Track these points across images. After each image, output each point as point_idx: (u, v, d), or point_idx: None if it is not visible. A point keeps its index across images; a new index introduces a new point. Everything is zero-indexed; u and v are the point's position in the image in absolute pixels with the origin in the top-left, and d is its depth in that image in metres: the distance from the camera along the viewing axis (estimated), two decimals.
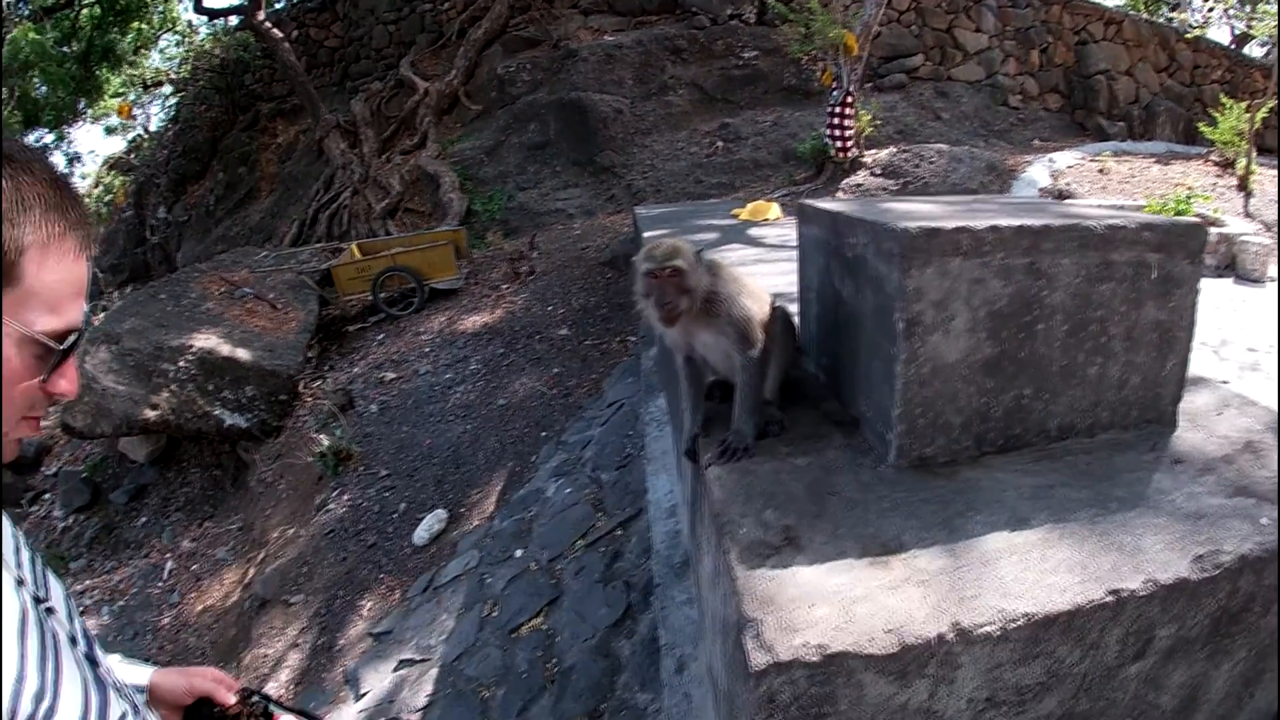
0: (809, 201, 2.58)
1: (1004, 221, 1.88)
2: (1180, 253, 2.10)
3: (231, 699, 1.37)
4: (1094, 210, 2.31)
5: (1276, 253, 9.84)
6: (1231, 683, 1.90)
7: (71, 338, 0.94)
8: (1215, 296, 7.99)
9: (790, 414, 2.32)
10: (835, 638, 1.40)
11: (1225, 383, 4.01)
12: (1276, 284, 8.75)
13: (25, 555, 1.03)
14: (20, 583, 0.96)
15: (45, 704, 0.88)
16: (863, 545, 1.67)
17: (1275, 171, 12.74)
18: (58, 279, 0.91)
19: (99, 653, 1.09)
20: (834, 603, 1.49)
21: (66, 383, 0.97)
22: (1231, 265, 9.11)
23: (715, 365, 2.35)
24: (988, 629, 1.46)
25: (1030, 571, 1.60)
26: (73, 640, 1.01)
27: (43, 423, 0.99)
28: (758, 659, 1.36)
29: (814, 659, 1.37)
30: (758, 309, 2.24)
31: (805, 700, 1.41)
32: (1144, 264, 2.06)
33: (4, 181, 0.86)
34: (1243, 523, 1.76)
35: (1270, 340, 6.76)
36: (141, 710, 1.13)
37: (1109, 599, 1.55)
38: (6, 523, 0.99)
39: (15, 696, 0.84)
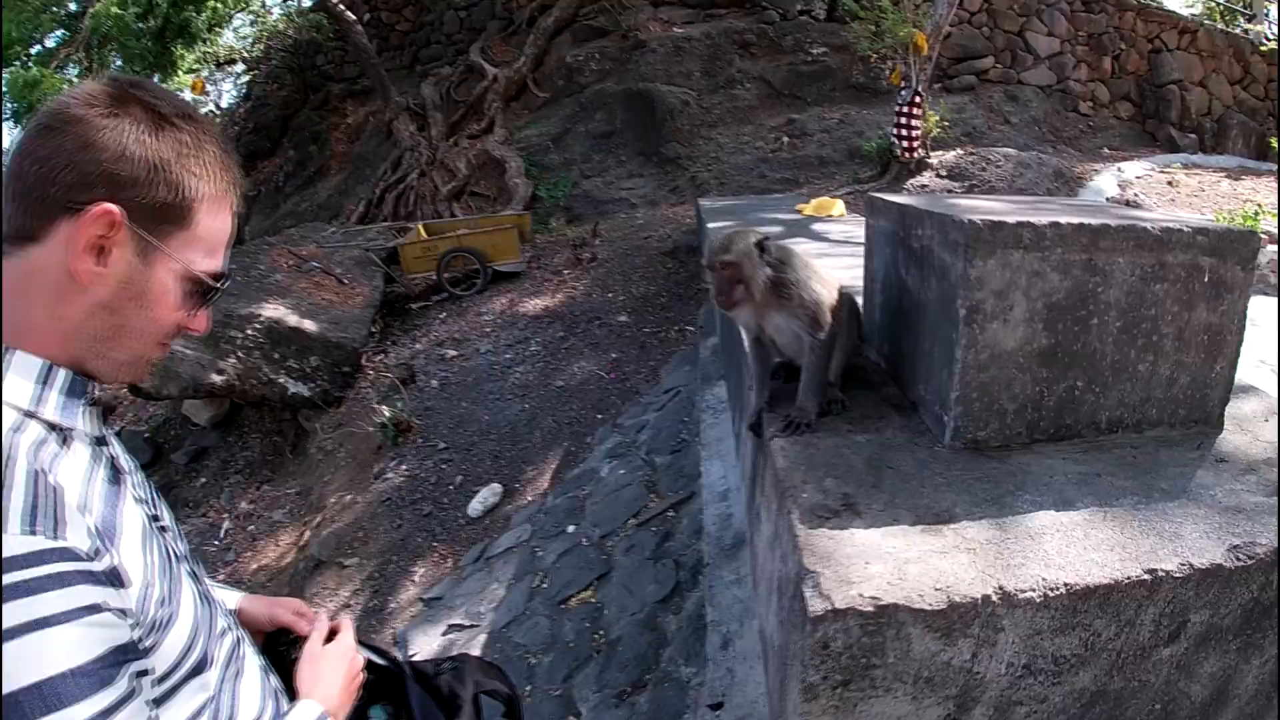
0: (879, 195, 2.69)
1: (1064, 219, 1.97)
2: (1233, 258, 2.16)
3: (308, 629, 1.43)
4: (1151, 214, 2.38)
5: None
6: (1262, 681, 1.96)
7: (224, 282, 1.11)
8: (1256, 313, 7.86)
9: (851, 397, 2.43)
10: (888, 591, 1.52)
11: None
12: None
13: (139, 476, 1.16)
14: (139, 500, 1.08)
15: (168, 610, 1.01)
16: (916, 514, 1.79)
17: None
18: (219, 228, 1.09)
19: (200, 570, 1.22)
20: (888, 562, 1.61)
21: (204, 321, 1.14)
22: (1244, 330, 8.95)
23: (783, 347, 2.47)
24: (1030, 594, 1.57)
25: (1073, 547, 1.70)
26: (180, 558, 1.13)
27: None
28: (815, 605, 1.49)
29: (868, 609, 1.49)
30: (827, 294, 2.36)
31: (857, 649, 1.53)
32: (1197, 267, 2.13)
33: (189, 138, 1.02)
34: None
35: None
36: (235, 628, 1.24)
37: (1145, 577, 1.65)
38: (121, 447, 1.13)
39: (144, 599, 0.96)
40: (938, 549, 1.66)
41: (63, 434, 0.98)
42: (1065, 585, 1.60)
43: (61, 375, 0.99)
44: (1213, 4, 20.76)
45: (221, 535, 8.25)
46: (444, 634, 5.05)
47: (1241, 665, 1.90)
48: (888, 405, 2.43)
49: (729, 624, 3.54)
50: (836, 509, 1.81)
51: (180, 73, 21.98)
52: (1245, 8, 18.43)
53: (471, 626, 4.99)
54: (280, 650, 1.42)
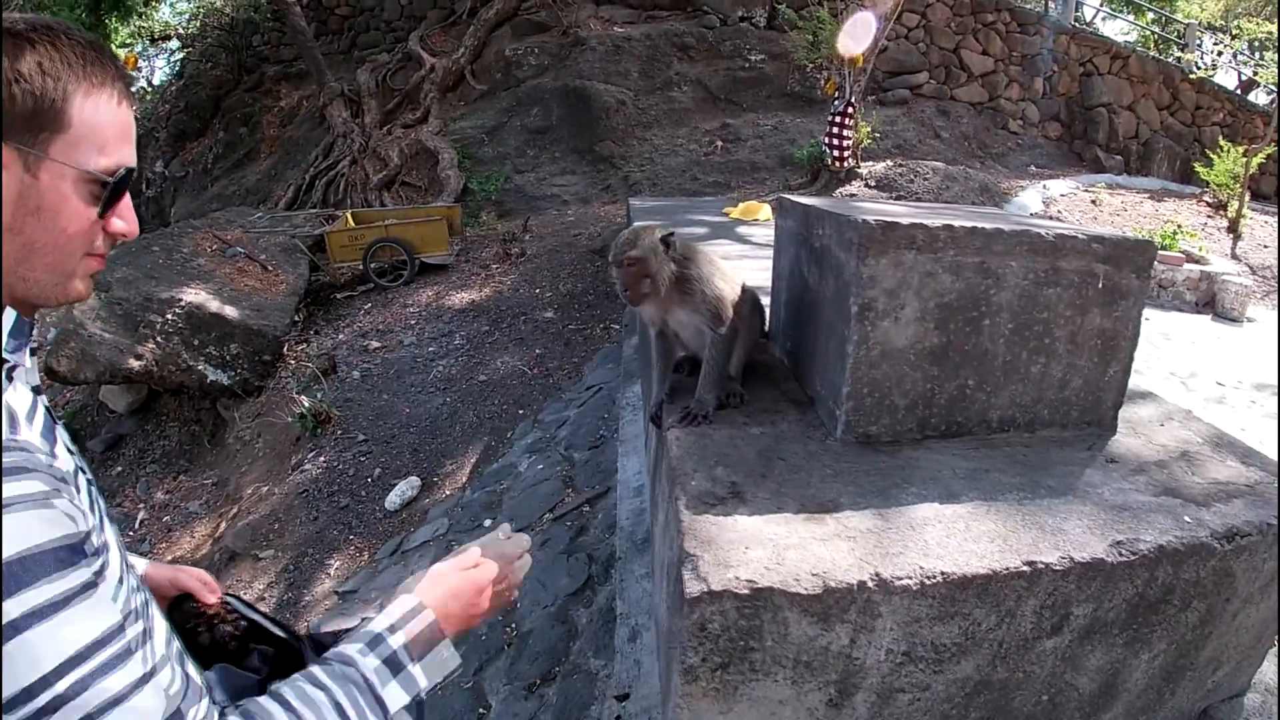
0: (787, 195, 2.72)
1: (958, 222, 2.02)
2: (1128, 266, 2.23)
3: (211, 599, 1.44)
4: (1049, 223, 2.45)
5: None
6: (1151, 675, 2.03)
7: (121, 172, 1.06)
8: (1192, 331, 8.18)
9: (752, 391, 2.46)
10: (765, 575, 1.54)
11: (1189, 411, 4.18)
12: (1278, 322, 8.96)
13: (60, 429, 1.12)
14: (69, 451, 1.08)
15: (103, 556, 0.99)
16: (801, 503, 1.81)
17: (1268, 217, 12.99)
18: (103, 121, 1.04)
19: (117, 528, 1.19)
20: (768, 547, 1.63)
21: (123, 222, 1.10)
22: (1211, 303, 9.31)
23: (686, 341, 2.49)
24: (906, 582, 1.60)
25: (953, 538, 1.74)
26: (104, 511, 1.10)
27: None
28: (692, 587, 1.50)
29: (744, 591, 1.51)
30: (730, 290, 2.39)
31: (734, 632, 1.54)
32: (1091, 273, 2.19)
33: (45, 45, 0.99)
34: (1165, 518, 1.88)
35: (1238, 378, 6.94)
36: (143, 588, 1.19)
37: (1025, 568, 1.69)
38: (43, 403, 1.09)
39: (88, 536, 0.95)
40: (818, 536, 1.69)
41: (9, 372, 0.99)
42: (943, 574, 1.63)
43: (6, 313, 1.00)
44: (1147, 32, 21.52)
45: (136, 526, 8.04)
46: (357, 627, 4.97)
47: (1130, 659, 1.95)
48: (786, 400, 2.46)
49: (638, 616, 3.55)
50: (723, 496, 1.82)
51: (114, 46, 21.34)
52: (1178, 36, 19.09)
53: None
54: (187, 627, 1.41)
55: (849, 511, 1.80)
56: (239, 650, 1.43)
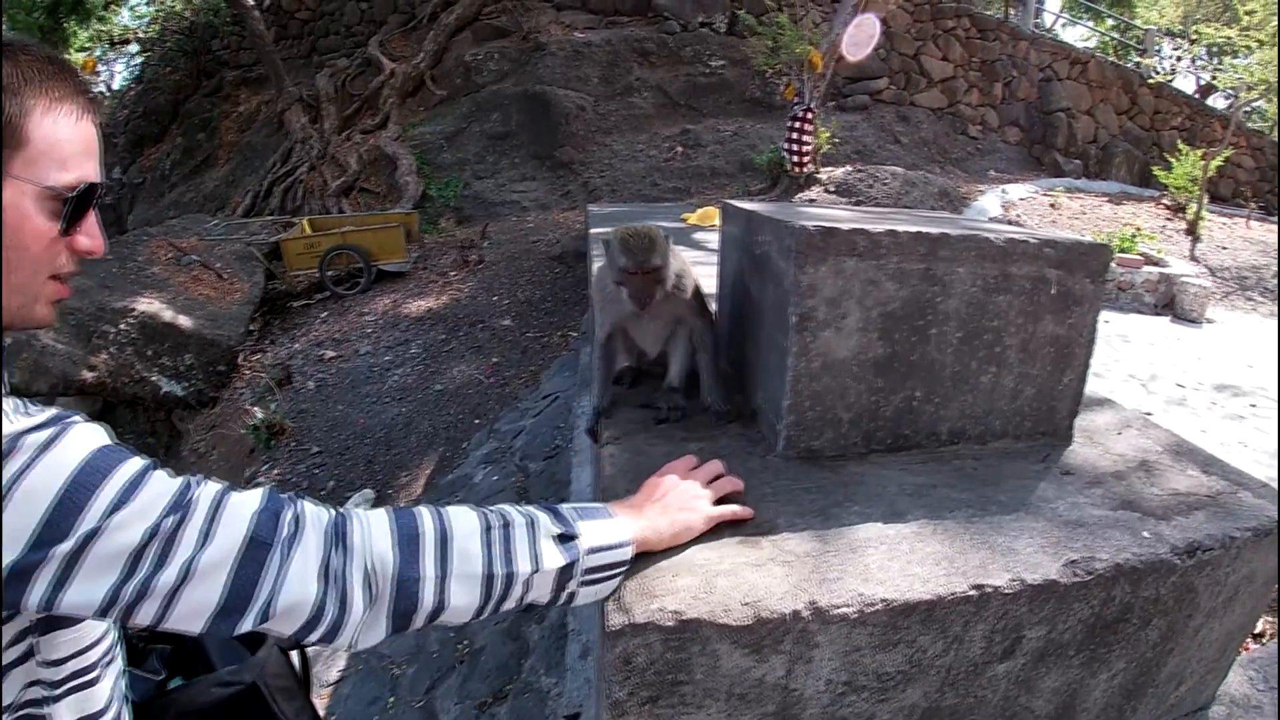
0: (731, 201, 2.64)
1: (903, 228, 1.94)
2: (1081, 271, 2.16)
3: None
4: (1000, 227, 2.38)
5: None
6: (1110, 694, 1.95)
7: (82, 187, 1.04)
8: (1151, 333, 8.25)
9: (694, 404, 2.37)
10: (692, 605, 1.44)
11: (1149, 414, 4.17)
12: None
13: None
14: None
15: None
16: (736, 525, 1.72)
17: (1225, 219, 13.23)
18: (64, 137, 1.03)
19: None
20: (698, 574, 1.53)
21: (88, 239, 1.10)
22: (1170, 305, 9.44)
23: (646, 344, 2.41)
24: (844, 610, 1.51)
25: (896, 561, 1.65)
26: None
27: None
28: (614, 620, 1.40)
29: (669, 623, 1.41)
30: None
31: (661, 665, 1.44)
32: (1043, 279, 2.12)
33: (4, 61, 0.96)
34: (1123, 534, 1.81)
35: (1198, 379, 6.99)
36: None
37: (972, 593, 1.60)
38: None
39: None
40: (752, 561, 1.59)
41: None
42: (884, 601, 1.54)
43: None
44: (1107, 38, 21.81)
45: None
46: (310, 644, 4.87)
47: (1088, 680, 1.87)
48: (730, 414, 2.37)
49: (589, 633, 3.49)
50: None
51: (73, 50, 21.01)
52: (1137, 42, 19.36)
53: None
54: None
55: (786, 533, 1.70)
56: (138, 652, 1.45)
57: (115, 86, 24.47)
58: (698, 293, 2.32)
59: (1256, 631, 3.05)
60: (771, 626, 1.46)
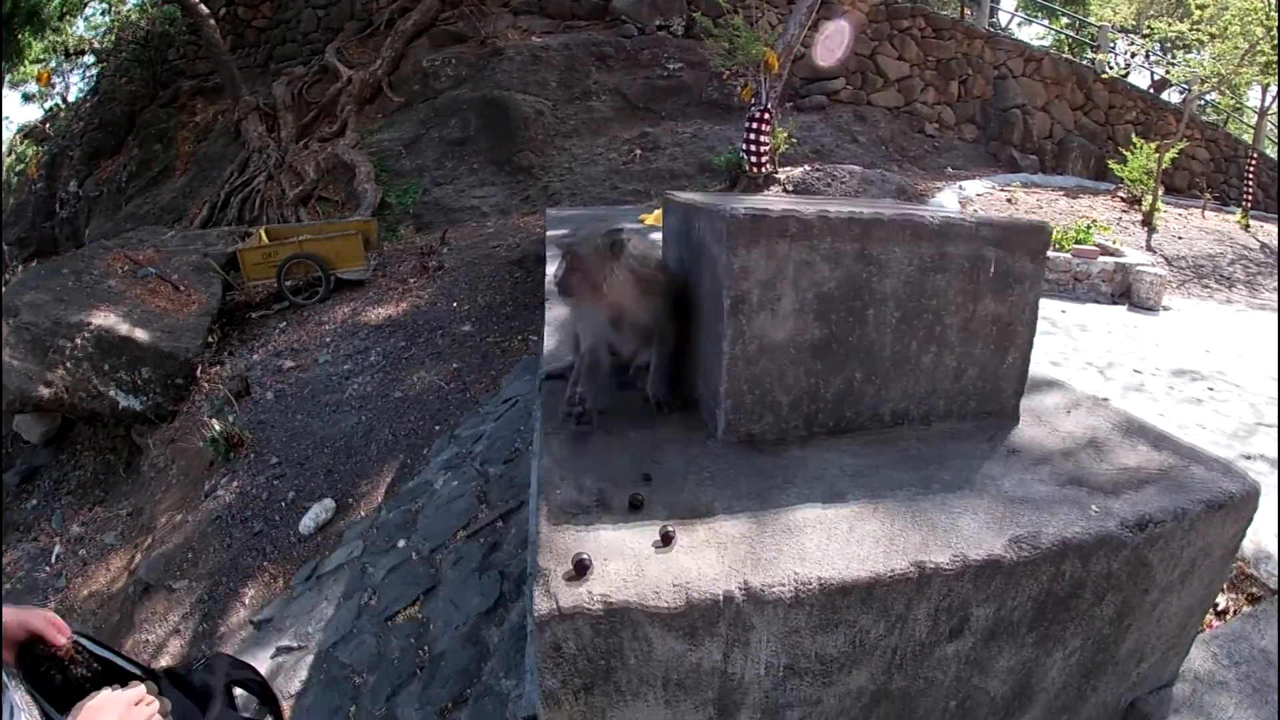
0: (671, 194, 2.62)
1: (835, 209, 1.93)
2: (1020, 250, 2.16)
3: (60, 640, 1.41)
4: (935, 209, 2.38)
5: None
6: (1069, 673, 1.94)
7: None
8: (1108, 322, 8.32)
9: (628, 396, 2.34)
10: (621, 590, 1.42)
11: (1106, 399, 4.17)
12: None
13: None
14: None
15: None
16: (670, 510, 1.69)
17: (1179, 210, 13.45)
18: None
19: None
20: (628, 559, 1.51)
21: None
22: (1127, 294, 9.55)
23: (600, 334, 2.39)
24: (779, 591, 1.49)
25: (834, 542, 1.63)
26: None
27: None
28: (541, 606, 1.37)
29: (597, 609, 1.39)
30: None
31: (591, 652, 1.42)
32: (981, 258, 2.12)
33: None
34: (1070, 510, 1.80)
35: (1160, 365, 7.04)
36: None
37: (912, 571, 1.58)
38: None
39: None
40: (686, 545, 1.57)
41: None
42: (820, 581, 1.53)
43: None
44: (1061, 36, 22.09)
45: (53, 560, 7.68)
46: (272, 656, 4.81)
47: (1043, 658, 1.86)
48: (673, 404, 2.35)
49: None
50: (588, 506, 1.70)
51: (27, 62, 20.63)
52: (1091, 39, 19.60)
53: (299, 648, 4.76)
54: (40, 671, 1.41)
55: (721, 516, 1.68)
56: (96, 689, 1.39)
57: (71, 98, 24.05)
58: (655, 286, 2.28)
59: (1220, 608, 3.06)
60: (704, 609, 1.44)
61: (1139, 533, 1.77)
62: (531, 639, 3.57)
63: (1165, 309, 9.43)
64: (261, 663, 4.70)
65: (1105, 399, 2.67)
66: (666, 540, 1.58)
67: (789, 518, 1.70)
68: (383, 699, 4.02)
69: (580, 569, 1.45)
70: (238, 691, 1.70)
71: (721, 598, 1.45)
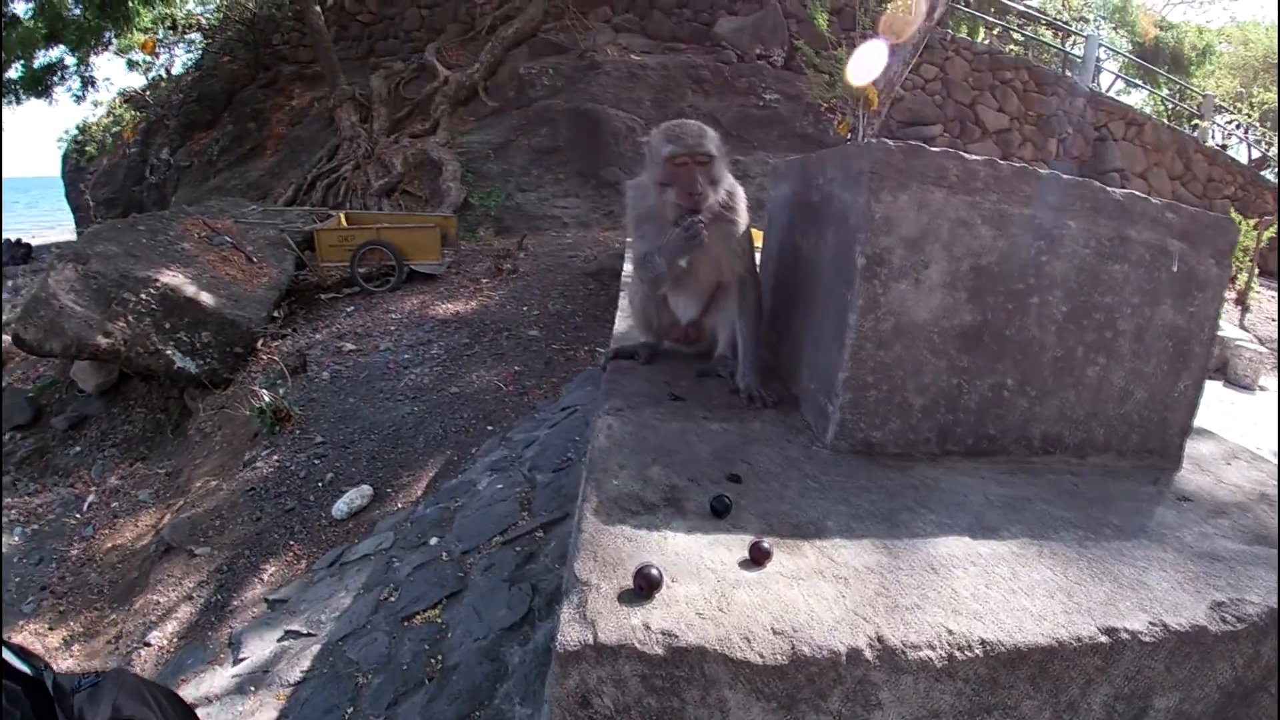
0: (783, 158, 2.19)
1: (1004, 160, 1.47)
2: (1207, 248, 1.71)
3: None
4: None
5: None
6: None
7: None
8: (1205, 397, 7.82)
9: (718, 390, 1.90)
10: (694, 626, 0.95)
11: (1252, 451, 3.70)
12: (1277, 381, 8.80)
13: None
14: None
15: None
16: (768, 523, 1.23)
17: (1270, 292, 12.78)
18: None
19: None
20: (708, 582, 1.04)
21: None
22: (1223, 369, 9.23)
23: (680, 308, 1.99)
24: (925, 654, 1.02)
25: (995, 589, 1.16)
26: None
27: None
28: (570, 636, 0.91)
29: (655, 651, 0.91)
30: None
31: (637, 714, 0.95)
32: (1164, 251, 1.66)
33: None
34: (1269, 573, 1.34)
35: (1260, 444, 6.61)
36: None
37: (1102, 639, 1.11)
38: None
39: None
40: (790, 572, 1.10)
41: None
42: (983, 643, 1.05)
43: None
44: (1162, 107, 21.25)
45: (84, 509, 7.64)
46: (279, 640, 4.56)
47: None
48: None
49: None
50: (654, 503, 1.25)
51: (135, 30, 21.21)
52: (1196, 109, 18.83)
53: (308, 635, 4.48)
54: None
55: (839, 539, 1.22)
56: None
57: (175, 71, 24.66)
58: (749, 236, 1.89)
59: None
60: (816, 669, 0.96)
61: None
62: (552, 679, 3.14)
63: (1262, 389, 9.01)
64: (268, 644, 4.48)
65: (1244, 446, 2.18)
66: (759, 560, 1.12)
67: (930, 551, 1.23)
68: (383, 705, 3.65)
69: (645, 586, 1.01)
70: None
71: (844, 655, 0.97)
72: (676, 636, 0.93)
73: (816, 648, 0.97)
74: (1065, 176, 1.53)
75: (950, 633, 1.03)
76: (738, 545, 1.15)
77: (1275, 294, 12.95)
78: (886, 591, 1.09)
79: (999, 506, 1.42)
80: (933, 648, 1.01)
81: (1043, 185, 1.50)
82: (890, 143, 1.39)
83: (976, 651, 1.02)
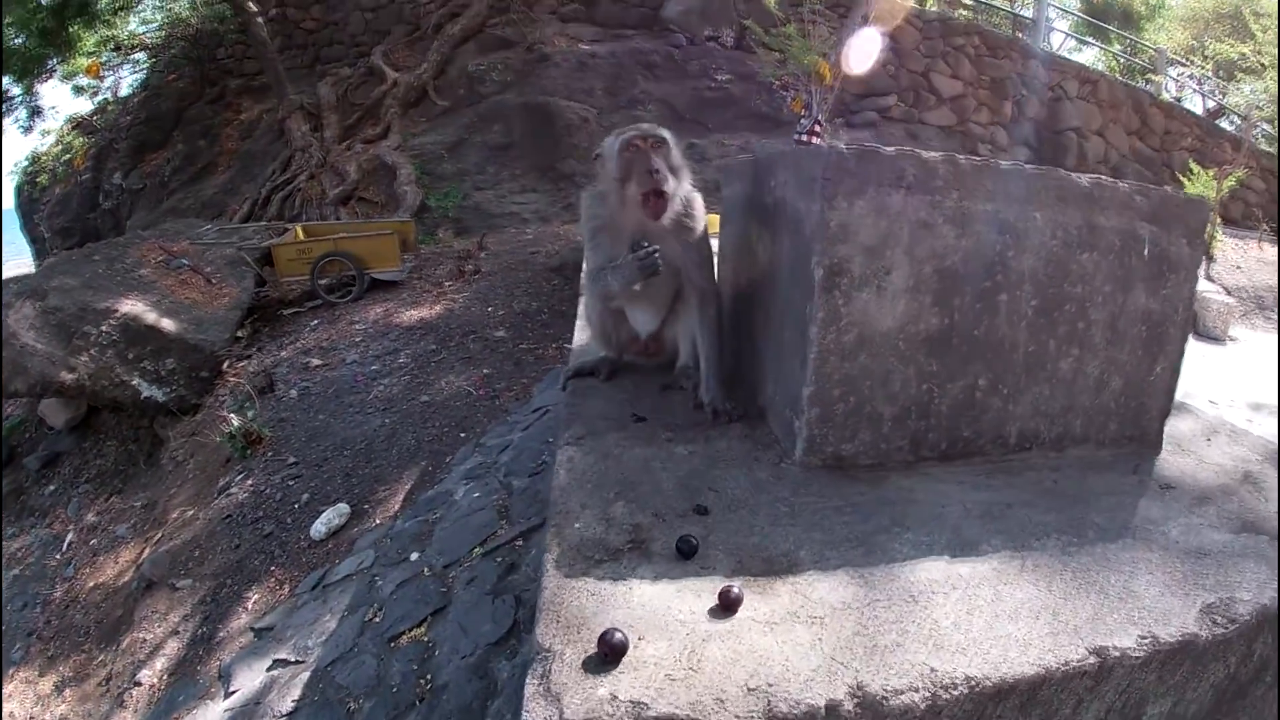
0: (734, 159, 2.14)
1: (964, 158, 1.42)
2: (1178, 229, 1.67)
3: None
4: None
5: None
6: None
7: None
8: None
9: (680, 407, 1.84)
10: (665, 692, 0.89)
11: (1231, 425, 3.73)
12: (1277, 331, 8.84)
13: None
14: None
15: None
16: (739, 559, 1.18)
17: (1236, 241, 12.91)
18: None
19: None
20: (677, 637, 0.99)
21: None
22: (1192, 322, 9.14)
23: (639, 322, 1.93)
24: (908, 698, 0.97)
25: (978, 615, 1.12)
26: None
27: None
28: (535, 713, 0.86)
29: None
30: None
31: None
32: (1135, 235, 1.63)
33: None
34: (1257, 565, 1.31)
35: (1230, 397, 6.57)
36: None
37: (1090, 663, 1.07)
38: None
39: None
40: (763, 617, 1.05)
41: None
42: (968, 680, 1.01)
43: None
44: (1115, 61, 21.36)
45: (64, 549, 7.56)
46: (268, 669, 4.47)
47: None
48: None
49: None
50: (618, 547, 1.19)
51: (79, 55, 20.84)
52: (1149, 63, 18.94)
53: (297, 663, 4.40)
54: None
55: (812, 573, 1.16)
56: None
57: (122, 93, 24.31)
58: (707, 242, 1.88)
59: None
60: None
61: None
62: None
63: (1231, 339, 9.08)
64: (258, 674, 4.37)
65: (1224, 420, 2.15)
66: (729, 606, 1.07)
67: (909, 577, 1.18)
68: None
69: (610, 653, 0.95)
70: None
71: (823, 709, 0.92)
72: (647, 705, 0.88)
73: (793, 703, 0.92)
74: (1029, 168, 1.48)
75: (933, 671, 0.99)
76: (707, 590, 1.10)
77: (1239, 241, 13.05)
78: (865, 630, 1.04)
79: (978, 516, 1.37)
80: (915, 690, 0.96)
81: (1006, 178, 1.45)
82: (843, 147, 1.33)
83: (961, 690, 0.98)
